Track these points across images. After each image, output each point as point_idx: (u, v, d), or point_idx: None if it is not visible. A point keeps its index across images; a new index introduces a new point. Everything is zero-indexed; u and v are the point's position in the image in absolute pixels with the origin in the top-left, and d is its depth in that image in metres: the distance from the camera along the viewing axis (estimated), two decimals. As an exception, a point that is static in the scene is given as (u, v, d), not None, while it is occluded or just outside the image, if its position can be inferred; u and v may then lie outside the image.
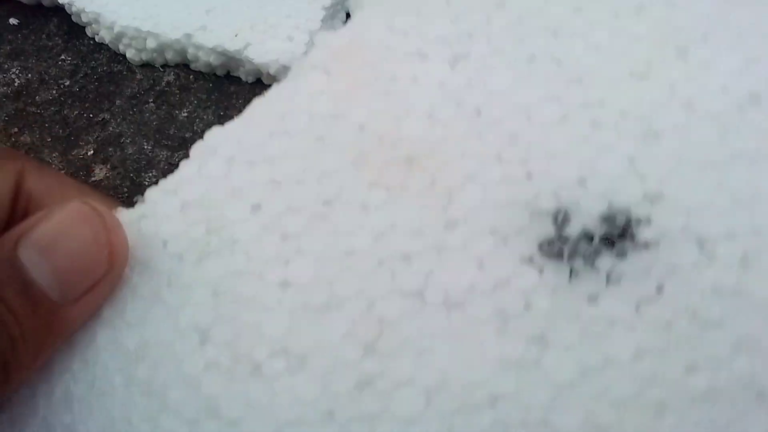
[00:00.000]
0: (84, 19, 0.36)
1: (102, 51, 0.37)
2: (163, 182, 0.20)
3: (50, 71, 0.37)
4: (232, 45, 0.32)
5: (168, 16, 0.34)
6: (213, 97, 0.34)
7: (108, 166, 0.33)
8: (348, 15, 0.34)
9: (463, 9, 0.20)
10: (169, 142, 0.33)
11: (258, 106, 0.21)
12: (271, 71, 0.32)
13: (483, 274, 0.17)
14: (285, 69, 0.31)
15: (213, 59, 0.33)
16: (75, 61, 0.36)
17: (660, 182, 0.17)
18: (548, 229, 0.17)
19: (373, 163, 0.19)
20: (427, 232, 0.17)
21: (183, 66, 0.35)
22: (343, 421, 0.16)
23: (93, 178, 0.32)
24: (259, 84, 0.34)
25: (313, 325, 0.17)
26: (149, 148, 0.33)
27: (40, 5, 0.39)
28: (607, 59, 0.18)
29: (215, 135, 0.20)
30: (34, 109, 0.35)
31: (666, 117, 0.17)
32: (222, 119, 0.33)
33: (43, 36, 0.38)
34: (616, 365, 0.15)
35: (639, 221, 0.16)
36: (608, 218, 0.17)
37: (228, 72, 0.34)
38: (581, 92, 0.18)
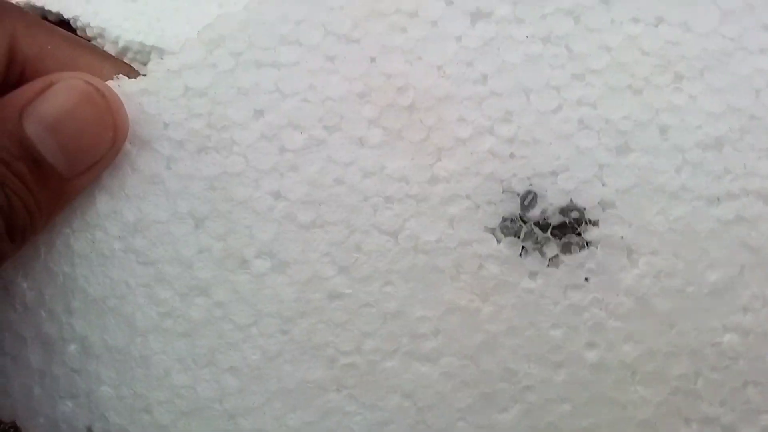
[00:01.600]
0: (89, 33, 0.36)
1: None
2: (167, 59, 0.20)
3: None
4: None
5: (171, 30, 0.34)
6: None
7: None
8: None
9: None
10: None
11: (272, 1, 0.21)
12: None
13: (451, 232, 0.20)
14: None
15: None
16: None
17: (616, 194, 0.19)
18: (514, 208, 0.20)
19: (377, 102, 0.20)
20: (412, 181, 0.20)
21: None
22: (311, 322, 0.19)
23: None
24: None
25: (298, 237, 0.20)
26: None
27: (44, 19, 0.34)
28: (613, 64, 0.20)
29: (225, 23, 0.20)
30: None
31: (641, 137, 0.19)
32: None
33: None
34: (536, 330, 0.19)
35: (588, 221, 0.20)
36: (565, 211, 0.20)
37: None
38: (580, 89, 0.20)
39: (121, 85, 0.20)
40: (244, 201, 0.20)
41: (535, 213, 0.20)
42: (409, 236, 0.20)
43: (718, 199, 0.19)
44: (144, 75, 0.20)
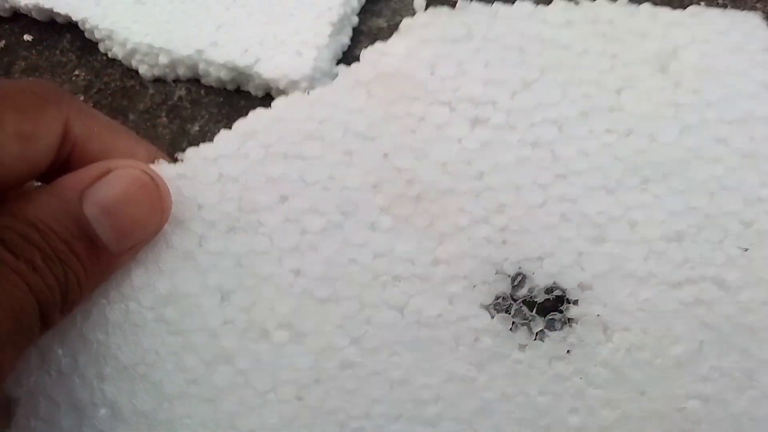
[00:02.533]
0: (97, 35, 0.36)
1: (115, 67, 0.37)
2: (203, 148, 0.23)
3: (65, 87, 0.36)
4: (242, 60, 0.33)
5: (180, 32, 0.34)
6: (224, 111, 0.34)
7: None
8: (354, 30, 0.34)
9: (495, 77, 0.24)
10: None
11: (300, 101, 0.24)
12: (281, 86, 0.32)
13: (451, 308, 0.22)
14: (294, 84, 0.32)
15: (223, 74, 0.34)
16: (89, 77, 0.36)
17: (593, 278, 0.23)
18: (506, 287, 0.23)
19: (388, 192, 0.23)
20: (417, 263, 0.22)
21: (194, 81, 0.35)
22: (326, 389, 0.22)
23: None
24: (269, 98, 0.34)
25: (315, 311, 0.22)
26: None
27: (53, 21, 0.38)
28: (589, 167, 0.23)
29: (258, 118, 0.23)
30: None
31: (614, 230, 0.23)
32: None
33: (57, 52, 0.37)
34: (525, 396, 0.22)
35: (569, 301, 0.23)
36: (549, 291, 0.23)
37: (238, 87, 0.34)
38: (563, 187, 0.23)
39: (161, 169, 0.22)
40: (268, 277, 0.22)
41: (523, 292, 0.23)
42: (414, 311, 0.22)
43: (680, 284, 0.23)
44: (181, 161, 0.23)
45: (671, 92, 0.24)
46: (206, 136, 0.34)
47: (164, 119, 0.35)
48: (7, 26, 0.39)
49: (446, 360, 0.22)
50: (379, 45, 0.24)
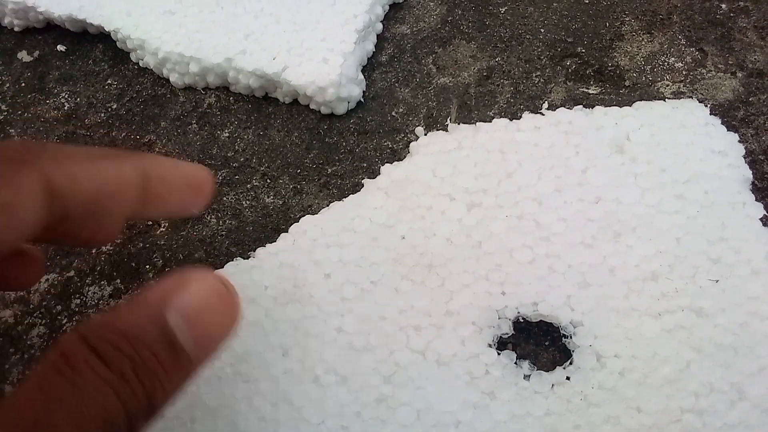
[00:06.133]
0: (129, 45, 0.37)
1: (146, 75, 0.38)
2: (269, 246, 0.31)
3: (98, 95, 0.38)
4: (270, 68, 0.33)
5: (209, 41, 0.35)
6: (253, 117, 0.35)
7: (155, 184, 0.35)
8: (378, 37, 0.36)
9: (483, 171, 0.31)
10: (212, 161, 0.35)
11: (337, 207, 0.31)
12: (308, 92, 0.33)
13: (463, 348, 0.27)
14: (321, 90, 0.32)
15: (252, 82, 0.34)
16: (121, 86, 0.38)
17: (582, 315, 0.27)
18: (508, 328, 0.27)
19: (406, 263, 0.29)
20: (433, 315, 0.28)
21: (223, 88, 0.36)
22: (365, 420, 0.26)
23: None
24: (296, 104, 0.35)
25: (353, 358, 0.27)
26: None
27: (85, 32, 0.40)
28: (568, 228, 0.29)
29: (307, 222, 0.31)
30: (83, 131, 0.37)
31: (596, 275, 0.27)
32: (261, 138, 0.35)
33: (90, 62, 0.39)
34: (533, 418, 0.25)
35: (564, 335, 0.27)
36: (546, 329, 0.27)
37: (266, 93, 0.35)
38: (547, 247, 0.28)
39: (238, 264, 0.30)
40: (317, 335, 0.28)
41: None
42: (433, 353, 0.27)
43: (659, 314, 0.26)
44: (253, 256, 0.31)
45: (629, 166, 0.30)
46: (236, 141, 0.34)
47: (195, 126, 0.35)
48: (40, 37, 0.40)
49: (462, 390, 0.26)
50: (391, 164, 0.32)
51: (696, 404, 0.25)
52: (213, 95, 0.37)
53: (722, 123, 0.31)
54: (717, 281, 0.27)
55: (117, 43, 0.39)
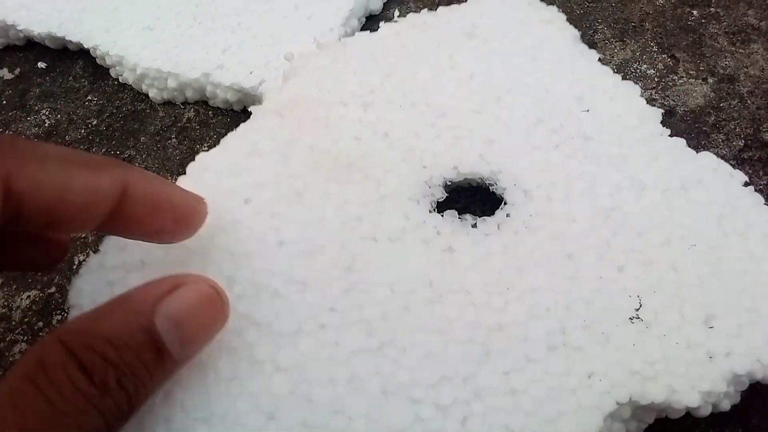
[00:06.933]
0: (108, 61, 0.38)
1: (126, 91, 0.38)
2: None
3: (78, 111, 0.38)
4: (247, 82, 0.34)
5: (187, 56, 0.36)
6: (231, 131, 0.33)
7: (136, 200, 0.34)
8: None
9: (364, 78, 0.32)
10: None
11: (232, 137, 0.30)
12: None
13: (408, 222, 0.27)
14: None
15: (230, 96, 0.35)
16: (101, 102, 0.38)
17: (498, 165, 0.29)
18: (441, 193, 0.28)
19: (325, 168, 0.29)
20: (369, 202, 0.28)
21: (202, 103, 0.37)
22: (341, 312, 0.25)
23: (123, 211, 0.34)
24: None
25: (306, 263, 0.26)
26: (173, 181, 0.31)
27: (65, 49, 0.40)
28: (458, 102, 0.31)
29: (203, 157, 0.29)
30: None
31: (495, 132, 0.30)
32: None
33: (70, 78, 0.39)
34: (491, 256, 0.27)
35: (490, 184, 0.29)
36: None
37: (245, 107, 0.36)
38: (445, 121, 0.30)
39: None
40: (259, 254, 0.26)
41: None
42: (383, 233, 0.27)
43: (557, 146, 0.30)
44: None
45: (484, 45, 0.33)
46: None
47: (174, 140, 0.35)
48: (21, 54, 0.40)
49: (422, 255, 0.27)
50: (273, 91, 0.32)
51: (613, 202, 0.28)
52: (192, 110, 0.37)
53: (694, 129, 0.34)
54: (588, 110, 0.31)
55: (96, 59, 0.39)
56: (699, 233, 0.27)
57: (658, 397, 0.23)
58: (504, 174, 0.29)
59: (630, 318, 0.25)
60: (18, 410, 0.18)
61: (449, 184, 0.29)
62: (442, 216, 0.28)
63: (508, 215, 0.28)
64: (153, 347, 0.20)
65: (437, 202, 0.28)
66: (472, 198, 0.29)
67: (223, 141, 0.30)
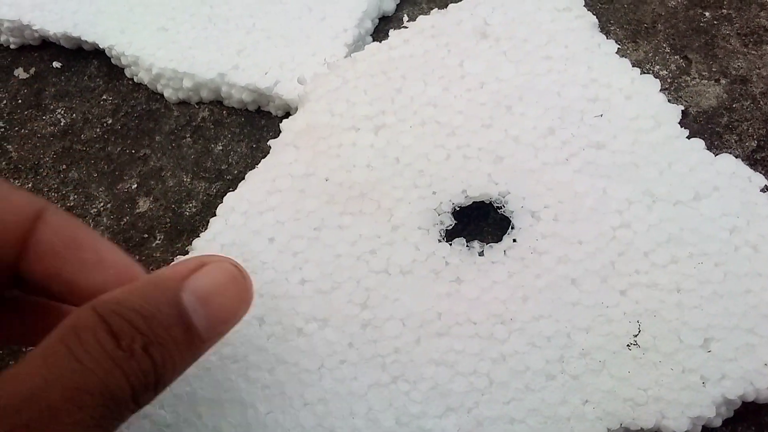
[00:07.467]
0: (123, 61, 0.38)
1: (141, 90, 0.39)
2: (202, 235, 0.31)
3: (93, 111, 0.38)
4: (262, 82, 0.34)
5: (202, 57, 0.36)
6: (245, 130, 0.36)
7: (151, 199, 0.35)
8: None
9: (374, 96, 0.33)
10: (207, 174, 0.36)
11: (254, 175, 0.32)
12: (300, 105, 0.33)
13: (419, 252, 0.29)
14: None
15: (245, 96, 0.35)
16: (116, 101, 0.39)
17: (506, 185, 0.30)
18: (450, 220, 0.30)
19: (339, 201, 0.31)
20: (381, 235, 0.30)
21: (217, 103, 0.37)
22: (358, 347, 0.28)
23: (137, 210, 0.35)
24: (288, 117, 0.35)
25: (326, 301, 0.29)
26: (188, 180, 0.36)
27: (80, 49, 0.41)
28: (466, 118, 0.31)
29: (230, 198, 0.32)
30: (80, 146, 0.38)
31: (504, 148, 0.30)
32: (255, 151, 0.36)
33: (85, 78, 0.40)
34: (499, 284, 0.28)
35: (498, 207, 0.30)
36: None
37: (259, 107, 0.36)
38: (455, 140, 0.31)
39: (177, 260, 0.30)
40: (284, 294, 0.29)
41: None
42: (394, 266, 0.29)
43: (567, 159, 0.30)
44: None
45: (496, 46, 0.33)
46: (229, 155, 0.36)
47: (189, 140, 0.36)
48: (36, 54, 0.41)
49: (432, 287, 0.28)
50: (287, 119, 0.33)
51: (622, 219, 0.29)
52: (206, 109, 0.38)
53: (707, 130, 0.33)
54: (601, 115, 0.30)
55: (112, 59, 0.39)
56: (707, 250, 0.28)
57: (647, 423, 0.25)
58: (512, 195, 0.30)
59: (628, 345, 0.26)
60: (47, 364, 0.19)
61: (458, 209, 0.30)
62: (451, 245, 0.29)
63: (514, 240, 0.29)
64: (181, 322, 0.21)
65: (445, 230, 0.30)
66: (479, 218, 0.30)
67: (247, 178, 0.32)
